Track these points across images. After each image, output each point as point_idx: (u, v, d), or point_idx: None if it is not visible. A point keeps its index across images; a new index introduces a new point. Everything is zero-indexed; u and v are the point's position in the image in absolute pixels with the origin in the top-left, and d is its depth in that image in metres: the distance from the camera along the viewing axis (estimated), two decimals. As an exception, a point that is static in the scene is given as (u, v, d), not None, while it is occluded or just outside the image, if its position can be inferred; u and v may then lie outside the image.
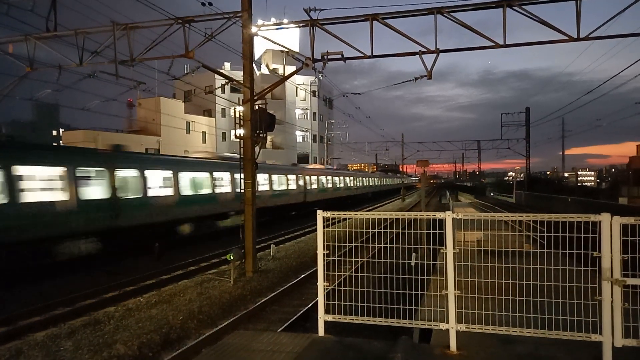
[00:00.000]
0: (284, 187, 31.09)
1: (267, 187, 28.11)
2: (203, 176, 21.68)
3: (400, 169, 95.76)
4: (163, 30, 13.55)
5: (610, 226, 4.31)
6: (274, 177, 29.34)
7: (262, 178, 26.78)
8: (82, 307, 10.60)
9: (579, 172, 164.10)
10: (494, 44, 12.57)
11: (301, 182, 33.88)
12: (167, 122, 43.69)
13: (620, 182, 57.15)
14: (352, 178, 50.39)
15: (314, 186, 36.54)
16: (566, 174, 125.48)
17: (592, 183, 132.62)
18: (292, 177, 32.17)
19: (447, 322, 4.84)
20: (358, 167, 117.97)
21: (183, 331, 8.92)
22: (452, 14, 12.50)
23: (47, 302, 10.87)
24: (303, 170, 35.67)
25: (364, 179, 57.90)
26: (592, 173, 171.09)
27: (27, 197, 13.05)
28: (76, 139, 41.15)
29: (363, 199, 54.76)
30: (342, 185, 44.95)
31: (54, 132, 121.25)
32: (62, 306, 10.74)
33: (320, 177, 38.38)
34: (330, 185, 41.00)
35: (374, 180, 64.79)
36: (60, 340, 8.39)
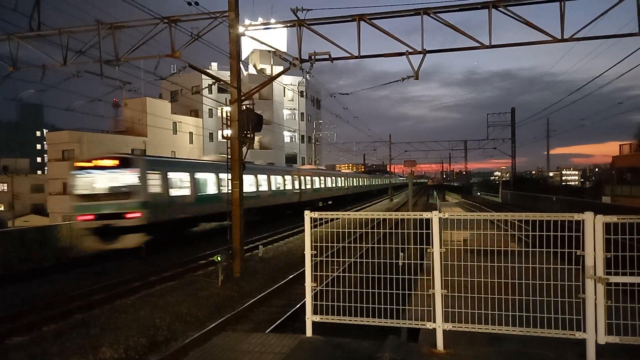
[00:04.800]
0: (289, 187, 33.10)
1: (276, 187, 30.15)
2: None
3: (388, 169, 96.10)
4: (149, 29, 13.43)
5: (593, 225, 4.37)
6: (278, 177, 31.24)
7: (262, 179, 28.49)
8: (67, 309, 10.45)
9: (564, 172, 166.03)
10: (479, 45, 12.69)
11: (299, 183, 35.40)
12: (154, 123, 43.34)
13: (604, 181, 58.10)
14: (343, 178, 52.02)
15: (309, 186, 37.93)
16: (551, 174, 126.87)
17: (577, 182, 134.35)
18: (289, 177, 33.52)
19: (434, 322, 4.87)
20: (346, 168, 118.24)
21: (170, 333, 8.85)
22: (438, 14, 12.58)
23: (32, 305, 10.72)
24: (299, 171, 36.93)
25: (355, 179, 59.62)
26: (577, 172, 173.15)
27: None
28: (61, 140, 40.68)
29: (354, 199, 56.21)
30: (333, 185, 46.39)
31: (38, 133, 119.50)
32: (47, 309, 10.59)
33: (314, 178, 39.75)
34: (324, 186, 42.64)
35: (364, 180, 66.55)
36: (46, 344, 8.28)
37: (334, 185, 46.44)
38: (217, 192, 22.23)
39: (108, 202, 16.73)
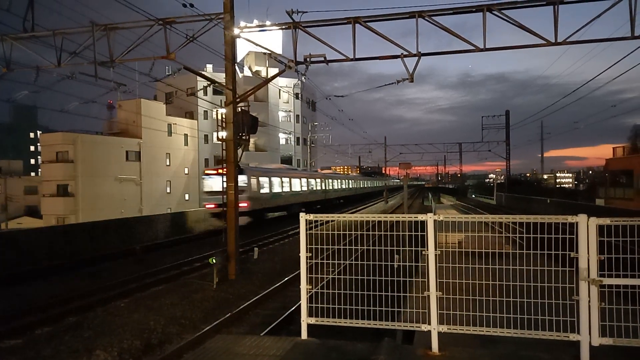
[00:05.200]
0: (319, 188, 41.85)
1: (306, 188, 38.01)
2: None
3: (383, 172, 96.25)
4: (144, 31, 13.40)
5: (587, 227, 4.39)
6: (313, 180, 40.23)
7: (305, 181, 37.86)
8: (61, 311, 10.38)
9: (558, 174, 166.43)
10: (474, 48, 12.74)
11: (325, 185, 43.97)
12: (148, 124, 43.22)
13: (598, 183, 58.39)
14: (353, 181, 61.66)
15: (330, 187, 46.59)
16: (545, 176, 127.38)
17: (571, 185, 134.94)
18: (319, 180, 42.43)
19: (429, 324, 4.88)
20: (342, 170, 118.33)
21: (165, 336, 8.81)
22: (433, 17, 12.63)
23: (25, 307, 10.64)
24: (325, 175, 46.17)
25: (361, 181, 69.07)
26: (570, 175, 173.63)
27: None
28: (55, 141, 40.48)
29: (360, 198, 63.80)
30: (346, 186, 55.46)
31: (32, 134, 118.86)
32: (41, 311, 10.51)
33: (334, 181, 49.15)
34: (339, 187, 51.59)
35: (367, 182, 74.63)
36: (39, 347, 8.22)
37: (346, 186, 55.68)
38: (280, 190, 31.52)
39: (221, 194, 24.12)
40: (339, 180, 52.23)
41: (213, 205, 25.33)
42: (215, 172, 26.39)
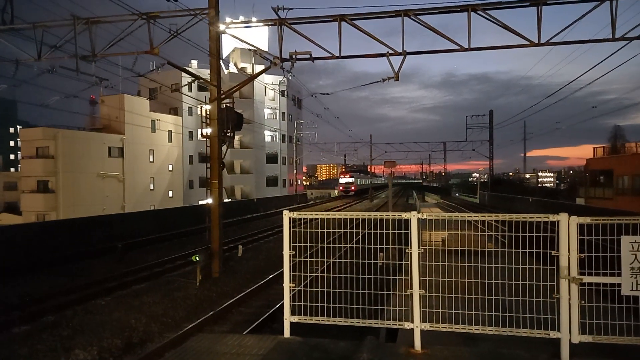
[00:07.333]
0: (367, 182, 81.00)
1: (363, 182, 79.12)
2: (366, 180, 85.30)
3: (369, 170, 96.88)
4: (126, 25, 13.21)
5: (567, 226, 4.43)
6: (366, 180, 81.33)
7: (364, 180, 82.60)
8: (39, 310, 10.16)
9: (540, 174, 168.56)
10: (459, 47, 12.82)
11: (363, 181, 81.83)
12: (132, 120, 42.61)
13: (578, 183, 59.41)
14: (370, 179, 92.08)
15: (366, 182, 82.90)
16: (527, 175, 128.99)
17: (552, 184, 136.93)
18: (364, 179, 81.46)
19: (412, 322, 4.88)
20: (327, 168, 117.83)
21: (146, 334, 8.70)
22: (418, 16, 12.67)
23: (1, 305, 10.40)
24: (360, 174, 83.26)
25: (372, 180, 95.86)
26: (552, 174, 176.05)
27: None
28: (35, 137, 39.68)
29: (375, 188, 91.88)
30: (367, 182, 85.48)
31: (11, 129, 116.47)
32: (17, 309, 10.29)
33: (370, 179, 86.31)
34: (369, 182, 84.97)
35: (374, 180, 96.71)
36: (15, 346, 8.05)
37: (368, 182, 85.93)
38: (362, 183, 79.35)
39: (347, 184, 71.26)
40: (372, 179, 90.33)
41: (342, 188, 70.15)
42: (343, 175, 74.16)
